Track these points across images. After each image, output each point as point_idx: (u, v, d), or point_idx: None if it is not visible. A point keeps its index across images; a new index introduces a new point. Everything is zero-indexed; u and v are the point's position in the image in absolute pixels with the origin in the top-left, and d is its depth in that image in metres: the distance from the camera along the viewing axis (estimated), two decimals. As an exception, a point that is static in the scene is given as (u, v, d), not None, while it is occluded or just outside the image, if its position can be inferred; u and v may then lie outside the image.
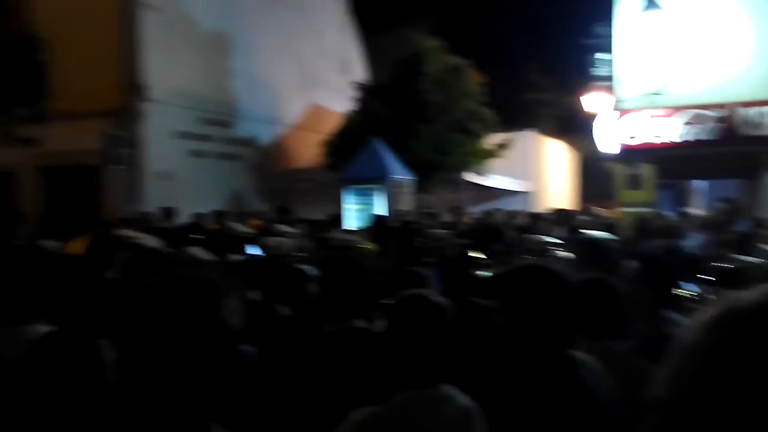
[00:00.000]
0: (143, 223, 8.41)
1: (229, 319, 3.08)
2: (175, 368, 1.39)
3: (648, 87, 9.95)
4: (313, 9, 17.19)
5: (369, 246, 5.90)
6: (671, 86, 9.81)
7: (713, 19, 9.59)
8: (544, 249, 5.05)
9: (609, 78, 11.18)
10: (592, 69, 11.92)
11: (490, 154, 14.45)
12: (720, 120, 9.46)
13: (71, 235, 5.45)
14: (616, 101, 10.38)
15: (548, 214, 12.78)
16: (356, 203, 11.43)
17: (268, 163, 15.02)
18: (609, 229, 8.18)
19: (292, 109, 16.00)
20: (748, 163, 9.64)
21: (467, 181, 14.98)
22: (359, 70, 18.32)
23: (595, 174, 24.90)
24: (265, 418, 2.62)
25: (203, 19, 13.35)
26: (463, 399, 1.88)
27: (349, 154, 11.78)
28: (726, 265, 4.18)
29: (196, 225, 8.87)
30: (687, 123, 9.65)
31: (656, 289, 2.86)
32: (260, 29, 14.88)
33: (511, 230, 9.09)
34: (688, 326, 0.60)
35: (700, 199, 15.12)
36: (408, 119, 12.67)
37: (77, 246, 4.51)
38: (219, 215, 10.29)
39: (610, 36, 10.60)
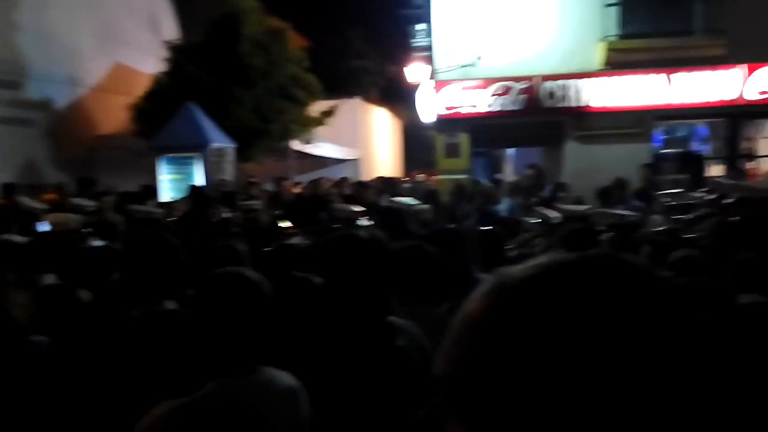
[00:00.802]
0: None
1: (12, 309, 2.72)
2: None
3: (463, 59, 10.52)
4: (115, -44, 15.68)
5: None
6: (483, 59, 10.46)
7: (521, -5, 10.36)
8: (350, 218, 5.17)
9: (428, 49, 11.63)
10: (412, 39, 12.30)
11: (315, 121, 14.42)
12: (525, 91, 10.31)
13: None
14: (434, 72, 10.84)
15: (373, 182, 13.14)
16: (172, 173, 10.79)
17: (66, 129, 13.55)
18: (430, 196, 8.64)
19: (94, 68, 14.53)
20: (551, 132, 10.66)
21: (293, 149, 14.86)
22: (170, 28, 17.13)
23: (419, 142, 26.11)
24: (62, 413, 2.37)
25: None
26: (285, 379, 1.83)
27: (162, 120, 11.04)
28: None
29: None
30: (496, 94, 10.39)
31: (463, 253, 3.02)
32: (51, -24, 13.26)
33: (337, 199, 9.22)
34: (466, 300, 0.60)
35: (511, 165, 16.48)
36: (226, 83, 12.15)
37: None
38: (7, 188, 9.11)
39: (428, 7, 11.00)
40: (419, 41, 12.25)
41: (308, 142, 14.60)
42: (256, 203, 6.99)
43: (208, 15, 13.15)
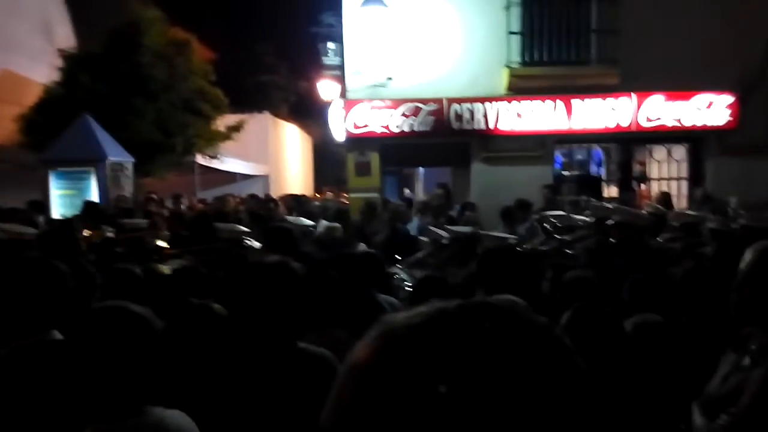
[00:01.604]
0: None
1: None
2: None
3: (373, 79, 10.67)
4: (4, -45, 14.78)
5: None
6: (394, 80, 10.65)
7: (430, 18, 10.64)
8: (235, 238, 5.08)
9: (339, 67, 11.70)
10: (323, 57, 12.35)
11: (221, 136, 14.15)
12: (434, 113, 10.58)
13: None
14: (345, 91, 10.92)
15: (283, 199, 13.00)
16: (64, 188, 10.22)
17: (-57, 139, 12.58)
18: (340, 215, 8.64)
19: (-22, 74, 13.60)
20: (459, 153, 10.97)
21: (198, 164, 14.49)
22: (65, 36, 16.30)
23: (331, 159, 26.13)
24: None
25: None
26: (177, 420, 1.72)
27: (54, 132, 10.45)
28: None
29: None
30: (406, 115, 10.60)
31: (370, 274, 3.03)
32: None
33: (245, 216, 9.04)
34: (355, 346, 0.62)
35: (421, 184, 16.82)
36: (125, 95, 11.70)
37: None
38: None
39: (341, 26, 11.09)
40: (330, 59, 12.31)
41: (214, 157, 14.28)
42: (141, 222, 6.66)
43: (107, 24, 12.64)
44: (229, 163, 15.52)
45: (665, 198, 9.41)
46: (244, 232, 5.26)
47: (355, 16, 10.55)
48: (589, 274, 3.75)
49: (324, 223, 8.56)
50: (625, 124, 10.55)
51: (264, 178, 19.68)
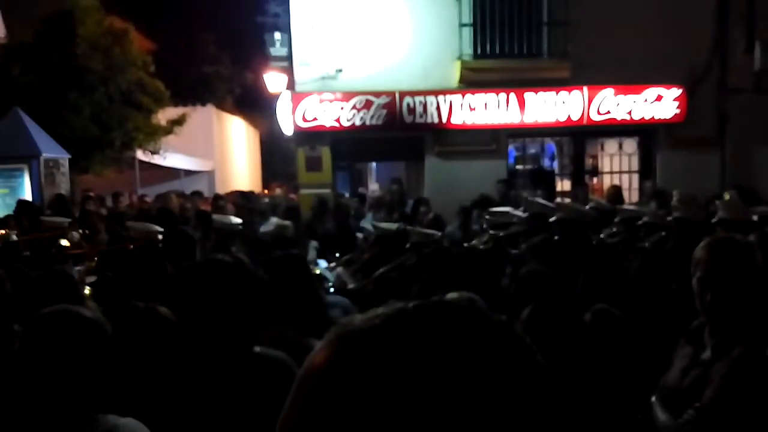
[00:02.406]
0: None
1: None
2: None
3: (323, 71, 10.63)
4: None
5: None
6: (343, 72, 10.64)
7: (380, 8, 10.66)
8: (147, 238, 5.01)
9: (286, 59, 11.61)
10: (269, 47, 12.23)
11: (163, 130, 13.87)
12: (386, 106, 10.63)
13: None
14: (293, 83, 10.85)
15: (230, 196, 12.82)
16: (-6, 187, 9.87)
17: None
18: (290, 213, 8.60)
19: None
20: (413, 147, 11.05)
21: (139, 160, 14.16)
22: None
23: (279, 154, 25.85)
24: None
25: None
26: (131, 427, 1.71)
27: (-18, 127, 10.05)
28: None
29: None
30: (356, 108, 10.60)
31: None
32: None
33: (192, 215, 8.89)
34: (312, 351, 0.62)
35: (374, 180, 16.86)
36: (60, 88, 11.35)
37: None
38: None
39: (288, 16, 11.00)
40: (277, 50, 12.20)
41: (156, 153, 13.99)
42: (61, 220, 6.47)
43: (39, 12, 12.22)
44: (171, 158, 15.20)
45: (616, 191, 9.70)
46: (157, 231, 5.19)
47: (303, 6, 10.49)
48: (544, 269, 3.86)
49: (274, 220, 8.51)
50: (576, 117, 10.83)
51: (209, 174, 19.36)
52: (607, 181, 11.50)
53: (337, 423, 0.55)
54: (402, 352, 0.56)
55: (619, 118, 10.91)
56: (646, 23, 10.40)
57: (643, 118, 10.95)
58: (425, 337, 0.58)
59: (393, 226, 5.98)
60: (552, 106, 10.79)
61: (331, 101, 10.57)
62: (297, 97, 10.62)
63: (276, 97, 11.94)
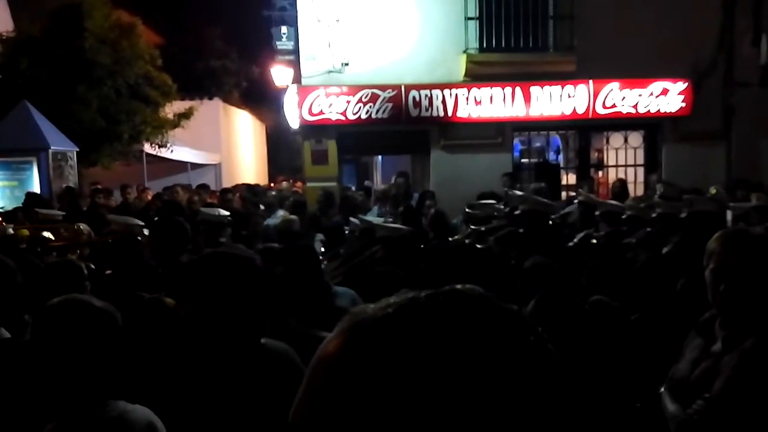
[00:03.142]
0: None
1: None
2: None
3: (329, 64, 10.62)
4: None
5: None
6: (349, 65, 10.62)
7: (386, 4, 10.64)
8: (127, 231, 5.02)
9: (293, 52, 11.60)
10: (276, 42, 12.22)
11: (170, 123, 13.88)
12: (392, 100, 10.61)
13: None
14: (300, 76, 10.85)
15: (237, 189, 12.84)
16: (5, 179, 9.94)
17: None
18: (297, 208, 8.62)
19: None
20: (419, 140, 11.04)
21: (147, 153, 14.19)
22: (2, 19, 15.71)
23: (286, 147, 25.85)
24: None
25: None
26: (140, 414, 1.74)
27: (-9, 120, 10.11)
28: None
29: None
30: (362, 101, 10.59)
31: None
32: None
33: (198, 207, 8.91)
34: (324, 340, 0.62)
35: (380, 173, 16.85)
36: (68, 81, 11.37)
37: None
38: None
39: (294, 9, 10.99)
40: (284, 44, 12.19)
41: (163, 146, 14.01)
42: (56, 213, 6.48)
43: (47, 6, 12.24)
44: (178, 151, 15.22)
45: (621, 185, 9.68)
46: (139, 225, 5.20)
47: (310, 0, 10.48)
48: (549, 261, 3.87)
49: (280, 213, 8.53)
50: (581, 111, 10.79)
51: (216, 167, 19.39)
52: (612, 175, 11.45)
53: (349, 411, 0.55)
54: (415, 341, 0.57)
55: (624, 112, 10.87)
56: (651, 17, 10.34)
57: (648, 111, 10.90)
58: (438, 325, 0.58)
59: (379, 220, 5.98)
60: (557, 100, 10.75)
61: (337, 95, 10.56)
62: (303, 91, 10.61)
63: (282, 90, 11.94)
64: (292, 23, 11.37)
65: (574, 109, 10.78)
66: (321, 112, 10.58)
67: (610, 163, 11.84)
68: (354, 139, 10.90)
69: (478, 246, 4.83)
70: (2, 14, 16.01)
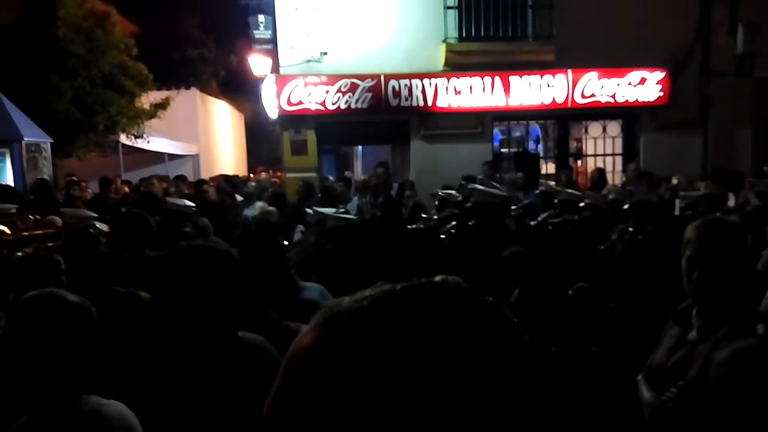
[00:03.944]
0: None
1: None
2: None
3: (307, 54, 10.55)
4: None
5: None
6: (328, 55, 10.56)
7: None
8: (80, 224, 4.97)
9: (271, 41, 11.50)
10: (253, 30, 12.10)
11: (147, 113, 13.73)
12: (371, 89, 10.58)
13: None
14: (278, 66, 10.76)
15: (215, 180, 12.77)
16: (-25, 172, 9.73)
17: None
18: (276, 199, 8.58)
19: None
20: (398, 130, 11.03)
21: (123, 144, 14.03)
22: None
23: (264, 138, 25.69)
24: None
25: None
26: (114, 408, 1.73)
27: (-39, 111, 9.89)
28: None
29: None
30: (341, 91, 10.55)
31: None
32: None
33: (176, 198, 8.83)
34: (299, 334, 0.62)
35: (360, 163, 16.82)
36: (41, 71, 11.18)
37: None
38: None
39: (270, -1, 10.89)
40: (261, 33, 12.07)
41: (139, 136, 13.85)
42: (7, 206, 6.36)
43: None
44: (155, 142, 15.06)
45: (599, 174, 9.77)
46: (91, 217, 5.16)
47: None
48: (528, 250, 3.89)
49: (259, 204, 8.49)
50: (560, 100, 10.85)
51: (194, 158, 19.24)
52: (591, 164, 11.55)
53: (324, 405, 0.55)
54: (390, 334, 0.56)
55: (603, 101, 10.95)
56: (630, 6, 10.41)
57: (626, 100, 11.00)
58: (413, 318, 0.57)
59: (331, 211, 5.99)
60: (537, 89, 10.80)
61: (315, 84, 10.51)
62: (282, 81, 10.54)
63: (261, 80, 11.84)
64: (270, 12, 11.26)
65: (554, 99, 10.84)
66: (300, 102, 10.52)
67: (589, 153, 11.94)
68: (333, 129, 10.86)
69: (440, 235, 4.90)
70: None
